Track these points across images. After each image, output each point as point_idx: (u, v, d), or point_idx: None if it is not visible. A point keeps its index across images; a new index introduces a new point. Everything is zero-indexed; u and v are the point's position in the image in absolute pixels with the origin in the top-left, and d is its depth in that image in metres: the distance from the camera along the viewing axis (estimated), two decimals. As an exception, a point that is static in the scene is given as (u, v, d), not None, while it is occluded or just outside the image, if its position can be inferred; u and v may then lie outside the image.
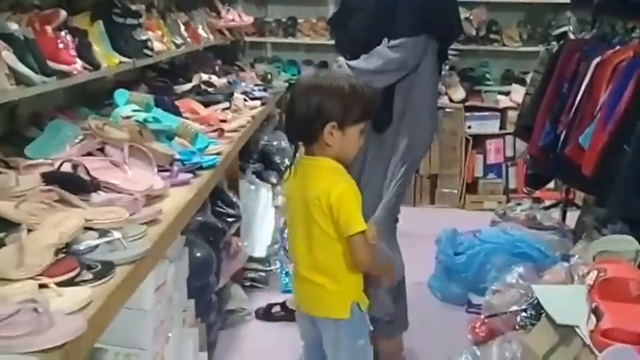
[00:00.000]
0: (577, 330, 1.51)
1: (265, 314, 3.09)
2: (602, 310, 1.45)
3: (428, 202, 4.82)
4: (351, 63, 2.33)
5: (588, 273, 1.62)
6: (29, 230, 1.47)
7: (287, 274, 3.34)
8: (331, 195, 1.67)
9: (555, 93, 2.88)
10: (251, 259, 3.33)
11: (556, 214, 3.92)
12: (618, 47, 2.57)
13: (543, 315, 1.74)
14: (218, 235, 2.84)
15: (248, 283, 3.32)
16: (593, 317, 1.46)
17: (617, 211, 2.28)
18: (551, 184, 4.02)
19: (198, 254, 2.46)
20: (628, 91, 2.30)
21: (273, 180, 4.01)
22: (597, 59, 2.57)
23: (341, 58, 2.41)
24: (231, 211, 3.01)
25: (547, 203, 4.43)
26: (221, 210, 2.96)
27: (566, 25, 3.96)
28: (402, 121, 2.39)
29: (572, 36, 3.87)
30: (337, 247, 1.73)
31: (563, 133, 2.71)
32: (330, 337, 1.82)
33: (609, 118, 2.37)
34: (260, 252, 3.38)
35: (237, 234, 3.16)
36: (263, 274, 3.39)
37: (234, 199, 3.10)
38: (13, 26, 1.86)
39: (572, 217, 3.59)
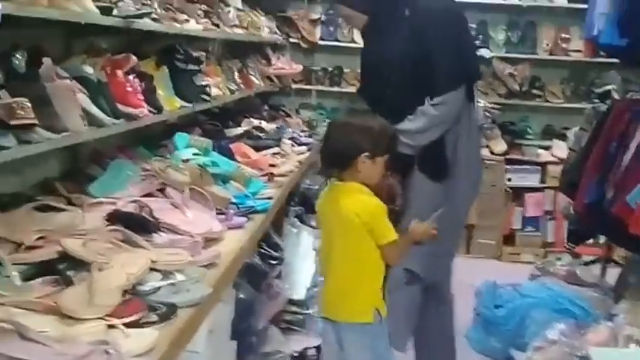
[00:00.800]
0: (636, 397, 1.49)
1: (300, 357, 3.09)
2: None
3: (464, 252, 4.79)
4: (398, 127, 2.36)
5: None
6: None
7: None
8: (367, 211, 2.01)
9: (603, 151, 2.87)
10: (289, 301, 3.35)
11: (596, 270, 3.87)
12: (669, 110, 2.58)
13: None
14: (261, 277, 2.87)
15: (285, 326, 3.33)
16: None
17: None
18: (590, 240, 3.98)
19: (243, 296, 2.49)
20: (679, 154, 2.30)
21: (314, 223, 4.04)
22: (648, 121, 2.58)
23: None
24: (274, 254, 3.05)
25: (586, 259, 4.38)
26: (265, 252, 3.00)
27: (609, 84, 3.99)
28: (454, 174, 2.47)
29: (616, 95, 3.89)
30: (365, 257, 2.05)
31: (611, 191, 2.70)
32: (355, 341, 2.08)
33: (660, 180, 2.37)
34: (299, 295, 3.40)
35: (277, 276, 3.19)
36: (300, 317, 3.39)
37: (279, 242, 3.15)
38: (89, 69, 1.95)
39: (612, 274, 3.55)
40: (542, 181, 4.74)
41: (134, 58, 2.13)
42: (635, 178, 2.53)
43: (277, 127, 3.55)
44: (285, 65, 4.08)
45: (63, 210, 1.81)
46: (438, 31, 2.37)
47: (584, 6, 3.41)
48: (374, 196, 2.05)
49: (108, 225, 1.77)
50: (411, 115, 2.41)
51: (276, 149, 3.11)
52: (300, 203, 4.02)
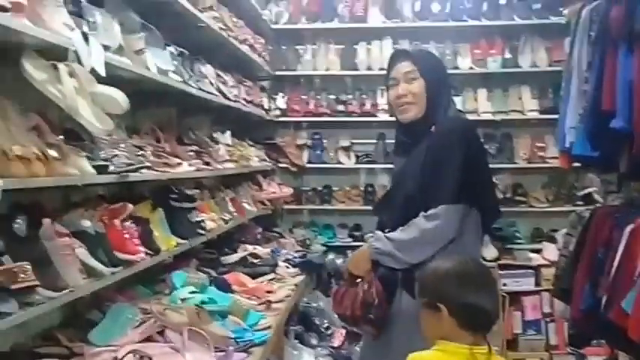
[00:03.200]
0: None
1: None
2: None
3: (469, 361, 4.73)
4: (389, 235, 2.32)
5: None
6: None
7: None
8: None
9: (591, 257, 2.93)
10: None
11: (604, 372, 3.82)
12: (649, 214, 2.66)
13: None
14: (265, 408, 2.83)
15: None
16: None
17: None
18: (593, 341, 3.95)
19: None
20: (666, 258, 2.36)
21: (314, 342, 4.01)
22: (631, 226, 2.65)
23: (378, 232, 2.39)
24: (277, 383, 3.02)
25: (591, 359, 4.33)
26: (267, 382, 2.97)
27: (590, 186, 4.12)
28: None
29: (597, 196, 4.01)
30: None
31: (605, 297, 2.73)
32: None
33: (651, 285, 2.41)
34: (304, 422, 3.32)
35: (281, 405, 3.13)
36: None
37: (280, 370, 3.12)
38: (86, 223, 2.03)
39: (621, 375, 3.50)
40: (537, 283, 4.76)
41: (130, 206, 2.21)
42: (626, 283, 2.57)
43: (272, 251, 3.61)
44: (275, 189, 4.21)
45: (64, 365, 1.84)
46: (450, 145, 2.30)
47: (555, 116, 3.58)
48: None
49: (110, 379, 1.80)
50: (403, 227, 2.31)
51: (271, 275, 3.15)
52: (299, 322, 4.01)
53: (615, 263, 2.68)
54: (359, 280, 2.38)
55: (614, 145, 2.64)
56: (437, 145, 2.31)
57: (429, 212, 2.26)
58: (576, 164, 3.39)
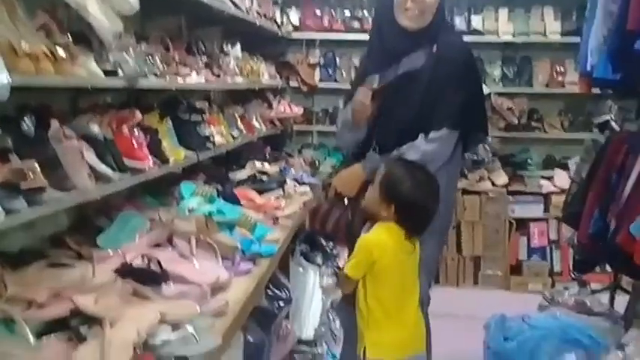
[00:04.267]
0: None
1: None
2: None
3: (471, 284, 4.83)
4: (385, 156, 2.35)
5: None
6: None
7: (333, 356, 3.35)
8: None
9: (604, 182, 2.91)
10: (299, 341, 3.35)
11: (605, 298, 3.87)
12: (666, 140, 2.62)
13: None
14: (270, 319, 2.89)
15: (295, 366, 3.33)
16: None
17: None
18: (596, 268, 3.98)
19: (252, 339, 2.50)
20: (679, 184, 2.33)
21: (319, 261, 4.07)
22: (646, 152, 2.61)
23: (372, 153, 2.40)
24: (282, 295, 3.07)
25: (594, 286, 4.38)
26: (273, 294, 3.02)
27: (607, 114, 4.04)
28: None
29: (614, 124, 3.93)
30: None
31: (613, 221, 2.73)
32: None
33: (661, 210, 2.40)
34: (308, 334, 3.41)
35: (286, 316, 3.20)
36: (310, 356, 3.40)
37: (285, 282, 3.17)
38: (95, 128, 2.00)
39: (621, 301, 3.55)
40: (546, 210, 4.78)
41: (139, 113, 2.17)
42: (637, 209, 2.56)
43: (280, 170, 3.60)
44: (286, 108, 4.16)
45: (74, 266, 1.85)
46: (454, 73, 2.33)
47: (578, 39, 3.47)
48: None
49: (118, 278, 1.81)
50: (402, 147, 2.35)
51: (279, 192, 3.15)
52: (305, 241, 4.05)
53: (627, 189, 2.66)
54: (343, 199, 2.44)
55: (637, 69, 2.56)
56: (441, 72, 2.32)
57: (431, 135, 2.31)
58: (595, 90, 3.33)
